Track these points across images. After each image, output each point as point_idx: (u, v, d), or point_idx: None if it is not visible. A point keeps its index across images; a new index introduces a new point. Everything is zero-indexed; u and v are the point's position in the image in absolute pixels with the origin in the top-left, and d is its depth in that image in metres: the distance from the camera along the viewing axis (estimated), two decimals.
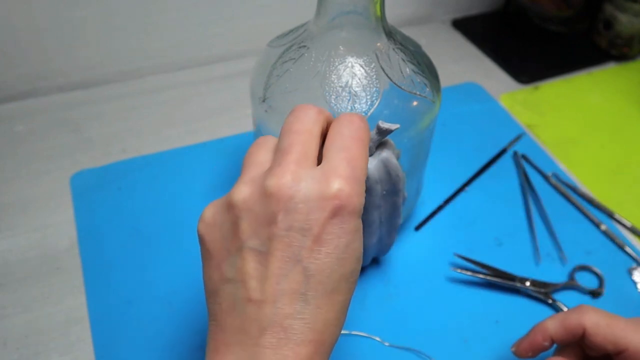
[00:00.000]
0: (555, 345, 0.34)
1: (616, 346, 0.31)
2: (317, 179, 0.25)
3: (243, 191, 0.26)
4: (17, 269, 0.43)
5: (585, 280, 0.45)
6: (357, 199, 0.25)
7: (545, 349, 0.34)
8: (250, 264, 0.25)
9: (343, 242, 0.25)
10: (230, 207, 0.26)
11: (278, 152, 0.26)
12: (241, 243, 0.25)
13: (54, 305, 0.41)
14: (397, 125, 0.32)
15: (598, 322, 0.32)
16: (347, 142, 0.26)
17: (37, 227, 0.46)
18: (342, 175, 0.25)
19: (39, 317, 0.40)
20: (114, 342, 0.39)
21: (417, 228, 0.48)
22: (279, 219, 0.24)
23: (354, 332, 0.40)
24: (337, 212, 0.24)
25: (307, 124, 0.27)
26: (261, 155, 0.28)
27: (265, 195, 0.25)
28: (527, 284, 0.43)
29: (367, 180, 0.34)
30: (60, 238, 0.46)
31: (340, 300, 0.25)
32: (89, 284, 0.42)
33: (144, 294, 0.42)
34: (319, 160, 0.27)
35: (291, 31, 0.39)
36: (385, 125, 0.32)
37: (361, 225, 0.26)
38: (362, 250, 0.26)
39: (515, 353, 0.35)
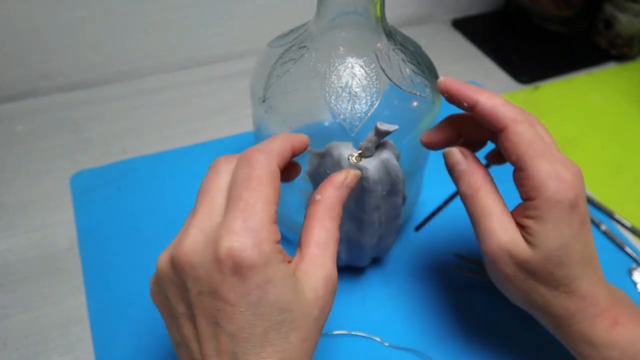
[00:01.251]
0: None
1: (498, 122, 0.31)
2: (212, 240, 0.25)
3: (162, 261, 0.27)
4: (17, 269, 0.43)
5: None
6: (252, 252, 0.24)
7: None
8: (187, 328, 0.26)
9: (253, 298, 0.24)
10: (158, 277, 0.27)
11: (189, 215, 0.27)
12: (174, 310, 0.26)
13: (54, 305, 0.41)
14: (396, 127, 0.33)
15: (488, 100, 0.31)
16: (239, 189, 0.26)
17: (37, 227, 0.46)
18: (232, 231, 0.24)
19: (39, 317, 0.40)
20: (114, 342, 0.39)
21: (417, 228, 0.48)
22: (189, 286, 0.25)
23: (353, 332, 0.40)
24: (235, 271, 0.24)
25: (212, 179, 0.27)
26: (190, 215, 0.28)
27: (173, 264, 0.26)
28: None
29: (367, 180, 0.34)
30: (60, 238, 0.46)
31: (277, 351, 0.25)
32: (89, 284, 0.42)
33: (144, 294, 0.41)
34: None
35: (291, 31, 0.39)
36: (383, 126, 0.32)
37: (278, 273, 0.25)
38: (288, 299, 0.25)
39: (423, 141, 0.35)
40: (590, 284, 0.31)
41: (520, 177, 0.30)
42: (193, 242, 0.25)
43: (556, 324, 0.32)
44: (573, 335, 0.32)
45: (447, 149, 0.34)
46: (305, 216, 0.29)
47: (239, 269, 0.24)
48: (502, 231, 0.31)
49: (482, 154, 0.37)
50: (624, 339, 0.30)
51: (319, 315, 0.27)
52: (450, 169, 0.34)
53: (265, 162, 0.27)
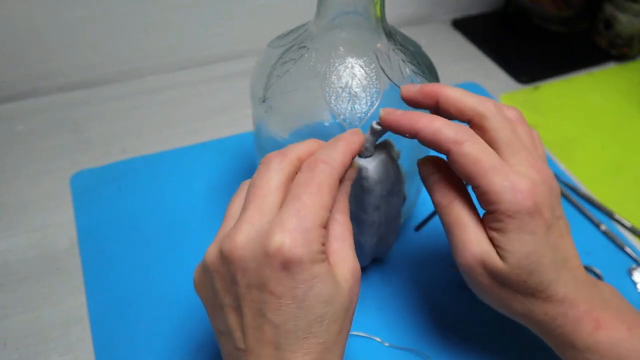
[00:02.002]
0: None
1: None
2: (263, 236, 0.26)
3: (211, 253, 0.28)
4: (17, 269, 0.43)
5: None
6: (302, 249, 0.25)
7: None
8: (232, 319, 0.27)
9: (299, 292, 0.25)
10: (205, 269, 0.28)
11: (241, 210, 0.28)
12: (220, 301, 0.27)
13: (54, 305, 0.41)
14: None
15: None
16: (300, 189, 0.27)
17: (37, 227, 0.46)
18: (286, 228, 0.25)
19: (39, 317, 0.40)
20: (114, 342, 0.39)
21: (417, 228, 0.48)
22: (237, 278, 0.26)
23: (354, 332, 0.40)
24: (284, 266, 0.25)
25: (264, 176, 0.28)
26: (236, 206, 0.30)
27: (223, 257, 0.27)
28: None
29: (367, 180, 0.34)
30: (60, 238, 0.46)
31: (318, 342, 0.26)
32: (89, 284, 0.42)
33: (144, 294, 0.42)
34: None
35: (291, 31, 0.39)
36: (379, 126, 0.32)
37: (322, 270, 0.26)
38: (330, 293, 0.26)
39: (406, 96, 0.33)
40: (568, 287, 0.31)
41: (477, 193, 0.30)
42: (246, 236, 0.26)
43: (539, 329, 0.32)
44: (556, 339, 0.32)
45: (420, 159, 0.34)
46: None
47: (287, 264, 0.25)
48: (475, 243, 0.31)
49: None
50: (606, 342, 0.30)
51: (350, 306, 0.28)
52: (424, 179, 0.34)
53: (328, 172, 0.28)
